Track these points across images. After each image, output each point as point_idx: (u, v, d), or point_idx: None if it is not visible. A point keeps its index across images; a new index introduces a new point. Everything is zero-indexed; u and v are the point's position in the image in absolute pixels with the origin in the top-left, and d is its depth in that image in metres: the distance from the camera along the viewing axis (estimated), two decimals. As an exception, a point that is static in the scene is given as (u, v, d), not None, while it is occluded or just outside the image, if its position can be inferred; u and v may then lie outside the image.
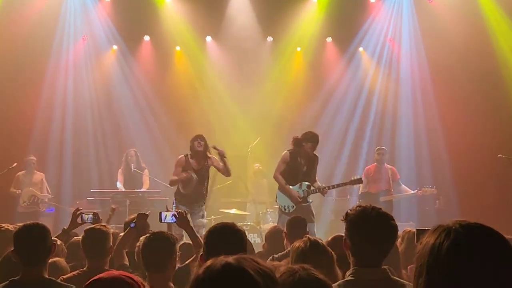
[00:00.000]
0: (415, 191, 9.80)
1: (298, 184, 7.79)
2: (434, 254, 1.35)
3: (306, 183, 7.77)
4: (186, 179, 8.21)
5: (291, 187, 7.75)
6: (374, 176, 9.62)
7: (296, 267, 2.24)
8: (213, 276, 1.43)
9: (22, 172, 9.81)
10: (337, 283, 2.71)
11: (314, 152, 7.93)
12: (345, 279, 2.68)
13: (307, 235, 3.50)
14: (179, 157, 8.35)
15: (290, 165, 7.80)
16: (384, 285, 2.64)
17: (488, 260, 1.31)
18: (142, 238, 4.16)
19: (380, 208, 2.78)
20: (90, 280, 1.96)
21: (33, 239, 3.31)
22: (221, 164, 8.10)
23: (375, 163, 9.77)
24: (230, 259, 1.47)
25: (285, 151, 7.91)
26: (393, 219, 2.75)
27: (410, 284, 2.50)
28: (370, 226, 2.65)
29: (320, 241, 3.35)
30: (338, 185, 8.66)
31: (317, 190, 7.85)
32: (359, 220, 2.69)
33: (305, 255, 3.08)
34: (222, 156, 7.96)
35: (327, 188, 8.08)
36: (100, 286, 1.92)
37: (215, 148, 8.02)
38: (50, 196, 10.14)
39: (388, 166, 9.83)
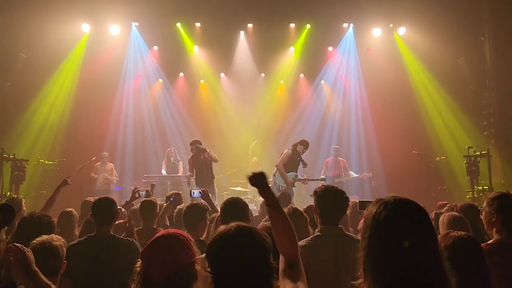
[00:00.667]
0: (358, 175, 11.31)
1: (289, 173, 8.88)
2: (376, 218, 1.54)
3: (295, 173, 8.92)
4: (190, 175, 9.21)
5: (287, 174, 8.82)
6: (331, 165, 11.18)
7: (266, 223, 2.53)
8: (229, 235, 1.70)
9: (99, 163, 11.32)
10: (309, 237, 3.01)
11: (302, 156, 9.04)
12: (315, 234, 3.03)
13: (291, 205, 3.87)
14: (188, 159, 9.36)
15: (292, 160, 8.85)
16: (341, 238, 2.97)
17: (409, 221, 1.51)
18: (181, 206, 4.66)
19: (337, 187, 3.19)
20: (156, 236, 2.09)
21: (103, 207, 3.59)
22: (207, 156, 8.85)
23: (332, 157, 11.29)
24: (239, 223, 1.74)
25: (289, 150, 8.88)
26: (345, 194, 3.11)
27: (357, 237, 3.01)
28: (332, 198, 3.04)
29: (299, 208, 3.64)
30: (311, 180, 9.70)
31: (299, 179, 9.02)
32: (324, 194, 3.08)
33: (288, 217, 2.94)
34: (203, 151, 8.67)
35: (306, 180, 9.23)
36: (163, 240, 2.04)
37: (198, 147, 8.76)
38: (117, 179, 11.39)
39: (341, 158, 11.33)
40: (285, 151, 8.97)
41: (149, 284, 1.96)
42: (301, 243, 2.80)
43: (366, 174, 11.40)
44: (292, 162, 8.86)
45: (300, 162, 8.89)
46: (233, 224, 1.80)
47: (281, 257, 1.82)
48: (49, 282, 2.33)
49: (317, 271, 2.63)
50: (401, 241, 1.44)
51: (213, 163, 9.08)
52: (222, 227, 1.81)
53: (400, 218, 1.51)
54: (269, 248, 1.70)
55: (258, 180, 1.91)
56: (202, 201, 4.84)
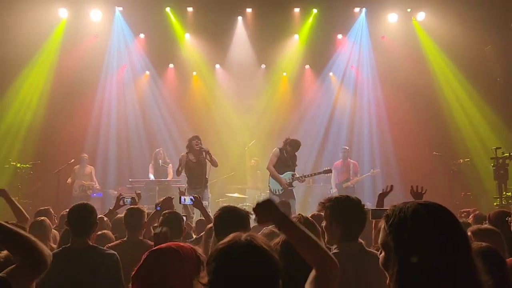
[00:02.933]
0: (369, 173, 11.16)
1: (285, 173, 8.80)
2: (401, 225, 1.48)
3: (291, 172, 8.84)
4: (181, 169, 9.00)
5: (282, 175, 8.77)
6: (341, 169, 10.85)
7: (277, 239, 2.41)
8: (238, 249, 1.66)
9: (77, 166, 11.07)
10: None
11: (296, 154, 9.08)
12: (332, 252, 2.89)
13: (300, 214, 3.69)
14: (181, 155, 9.18)
15: (280, 159, 8.85)
16: (362, 255, 2.94)
17: (443, 231, 1.45)
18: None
19: (355, 197, 3.14)
20: (154, 248, 2.10)
21: (80, 216, 3.58)
22: (209, 158, 8.83)
23: (341, 160, 10.95)
24: (249, 236, 1.69)
25: (276, 149, 8.97)
26: (364, 206, 3.08)
27: (372, 250, 2.93)
28: (353, 209, 2.99)
29: (310, 218, 3.44)
30: (312, 175, 9.79)
31: (297, 178, 8.89)
32: (344, 205, 3.02)
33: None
34: (207, 153, 8.61)
35: (304, 177, 9.11)
36: (161, 254, 2.05)
37: (201, 148, 8.70)
38: (96, 186, 11.13)
39: (351, 161, 11.05)
40: (273, 150, 9.08)
41: None
42: None
43: (375, 171, 11.30)
44: (283, 161, 8.89)
45: (290, 161, 9.00)
46: (244, 235, 1.74)
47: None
48: None
49: None
50: (435, 256, 1.42)
51: (208, 165, 9.15)
52: (231, 236, 1.77)
53: (432, 228, 1.45)
54: (281, 269, 1.66)
55: (266, 211, 1.91)
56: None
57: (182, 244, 2.17)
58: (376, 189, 11.25)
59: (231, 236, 1.67)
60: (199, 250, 2.25)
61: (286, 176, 8.77)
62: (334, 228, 2.97)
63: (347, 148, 11.37)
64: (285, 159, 8.85)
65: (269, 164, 8.89)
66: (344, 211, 2.98)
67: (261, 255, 1.60)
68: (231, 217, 3.11)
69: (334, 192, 10.78)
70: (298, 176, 8.86)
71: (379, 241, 1.61)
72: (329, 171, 9.57)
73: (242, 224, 3.03)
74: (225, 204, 3.48)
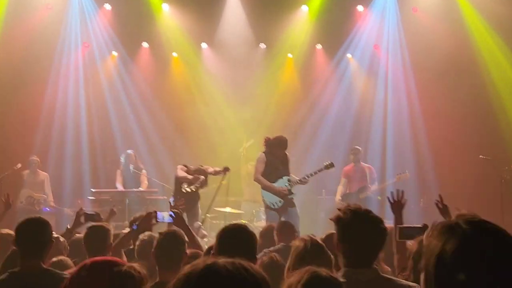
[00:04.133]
0: (393, 179, 10.11)
1: (279, 181, 8.18)
2: (440, 255, 1.29)
3: (287, 177, 8.24)
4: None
5: (274, 184, 8.16)
6: (353, 176, 9.97)
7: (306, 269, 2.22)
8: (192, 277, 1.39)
9: (26, 171, 10.10)
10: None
11: (286, 154, 8.45)
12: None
13: (309, 235, 3.56)
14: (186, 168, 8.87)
15: (268, 164, 8.25)
16: (375, 284, 2.71)
17: (496, 257, 1.24)
18: (145, 237, 4.47)
19: (371, 212, 2.84)
20: (79, 266, 1.93)
21: (32, 232, 3.39)
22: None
23: (352, 163, 10.11)
24: (220, 262, 1.38)
25: (261, 154, 8.42)
26: (383, 222, 2.81)
27: (401, 281, 2.73)
28: (362, 227, 2.71)
29: (320, 242, 3.40)
30: (314, 173, 8.85)
31: (298, 181, 8.32)
32: (350, 222, 2.75)
33: (305, 255, 3.17)
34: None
35: (306, 177, 8.44)
36: (94, 268, 1.90)
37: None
38: (47, 198, 10.32)
39: (365, 164, 10.17)
40: (257, 157, 8.78)
41: None
42: None
43: (402, 175, 10.28)
44: (272, 166, 8.44)
45: (281, 165, 8.59)
46: (229, 260, 1.49)
47: None
48: None
49: None
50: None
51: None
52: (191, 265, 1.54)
53: (482, 254, 1.26)
54: None
55: None
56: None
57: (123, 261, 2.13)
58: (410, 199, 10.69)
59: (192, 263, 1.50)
60: None
61: (282, 183, 8.20)
62: (339, 249, 2.82)
63: (359, 148, 10.45)
64: (274, 162, 8.33)
65: (255, 174, 8.49)
66: (351, 228, 2.79)
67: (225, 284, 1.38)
68: (236, 239, 2.99)
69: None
70: (297, 179, 8.34)
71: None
72: (332, 165, 8.89)
73: (249, 248, 2.97)
74: (230, 223, 3.48)
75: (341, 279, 2.55)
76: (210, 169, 9.02)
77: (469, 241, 1.23)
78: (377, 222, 2.74)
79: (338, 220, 2.78)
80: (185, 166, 9.14)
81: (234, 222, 3.76)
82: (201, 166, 9.12)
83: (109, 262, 1.95)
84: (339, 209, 2.88)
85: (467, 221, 1.26)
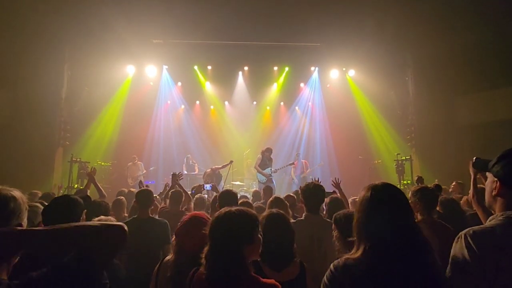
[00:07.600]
0: (315, 166, 12.71)
1: (266, 169, 10.19)
2: (362, 201, 1.73)
3: (270, 168, 10.35)
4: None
5: (264, 170, 10.15)
6: (297, 166, 12.31)
7: (273, 210, 2.76)
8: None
9: (130, 163, 12.83)
10: (294, 220, 3.39)
11: (271, 156, 10.36)
12: (299, 219, 3.46)
13: (274, 195, 4.42)
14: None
15: (262, 160, 10.27)
16: (317, 221, 3.34)
17: (386, 200, 1.66)
18: (202, 195, 5.45)
19: (317, 184, 3.61)
20: (188, 216, 2.35)
21: (144, 195, 4.19)
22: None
23: (296, 160, 12.35)
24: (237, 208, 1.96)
25: (259, 155, 10.46)
26: (323, 188, 3.57)
27: (329, 220, 3.16)
28: (310, 192, 3.52)
29: (282, 197, 4.22)
30: (281, 168, 11.00)
31: (274, 171, 10.32)
32: (306, 191, 3.52)
33: (274, 202, 3.93)
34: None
35: (276, 170, 10.50)
36: (196, 220, 2.29)
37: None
38: (145, 172, 12.51)
39: (303, 160, 12.62)
40: (257, 156, 10.51)
41: (184, 254, 2.30)
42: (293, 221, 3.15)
43: (320, 164, 13.29)
44: (264, 162, 10.26)
45: (268, 162, 10.16)
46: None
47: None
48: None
49: (300, 247, 2.79)
50: (382, 214, 1.66)
51: (221, 172, 10.61)
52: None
53: (377, 197, 1.75)
54: (257, 223, 2.08)
55: None
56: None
57: (203, 214, 2.41)
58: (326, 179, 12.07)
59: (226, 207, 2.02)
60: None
61: (267, 171, 10.25)
62: (301, 204, 3.45)
63: (299, 153, 13.32)
64: (264, 160, 10.30)
65: (255, 164, 10.42)
66: (306, 192, 3.43)
67: (243, 215, 1.98)
68: (228, 195, 3.61)
69: (295, 182, 12.10)
70: (274, 169, 10.38)
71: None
72: (292, 163, 11.26)
73: (233, 200, 3.55)
74: (226, 188, 3.79)
75: (300, 218, 3.37)
76: (221, 166, 10.64)
77: (375, 190, 1.68)
78: (320, 189, 3.47)
79: (301, 190, 3.55)
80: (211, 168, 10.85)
81: (226, 189, 3.83)
82: (218, 166, 10.69)
83: (200, 215, 2.32)
84: (300, 186, 3.64)
85: (380, 183, 1.68)
